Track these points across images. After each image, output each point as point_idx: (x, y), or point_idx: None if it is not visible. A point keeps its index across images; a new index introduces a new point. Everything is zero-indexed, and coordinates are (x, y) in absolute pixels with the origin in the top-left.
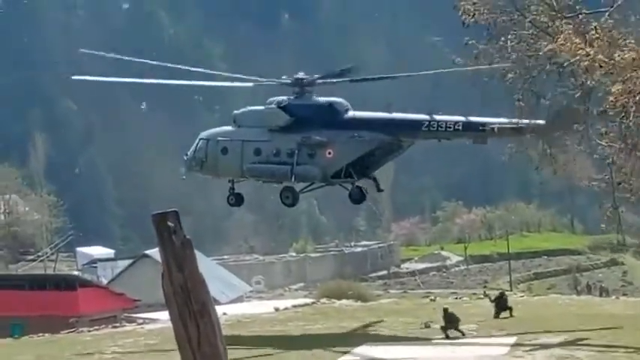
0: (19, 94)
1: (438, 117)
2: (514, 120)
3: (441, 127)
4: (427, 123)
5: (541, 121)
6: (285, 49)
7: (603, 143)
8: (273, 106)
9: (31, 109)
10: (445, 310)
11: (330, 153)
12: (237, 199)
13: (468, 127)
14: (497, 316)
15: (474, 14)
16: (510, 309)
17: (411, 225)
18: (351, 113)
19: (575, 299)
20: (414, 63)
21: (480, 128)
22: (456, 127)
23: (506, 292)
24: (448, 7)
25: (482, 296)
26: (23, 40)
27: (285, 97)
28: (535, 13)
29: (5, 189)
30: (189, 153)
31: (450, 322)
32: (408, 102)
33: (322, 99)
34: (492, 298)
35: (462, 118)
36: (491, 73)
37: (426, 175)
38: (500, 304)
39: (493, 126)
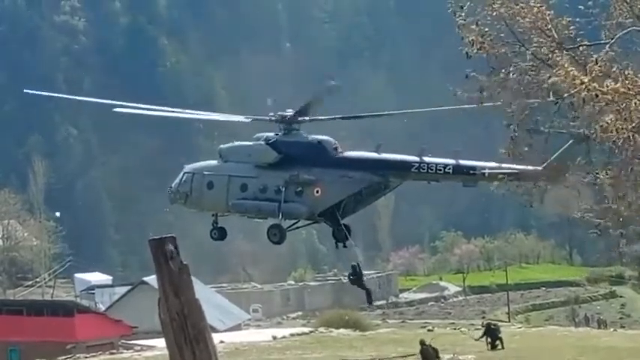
0: (19, 120)
1: (427, 159)
2: (504, 165)
3: (431, 170)
4: (417, 165)
5: (533, 167)
6: (287, 77)
7: (601, 176)
8: (261, 142)
9: (31, 134)
10: (422, 343)
11: (318, 191)
12: (220, 234)
13: (458, 170)
14: (493, 347)
15: (480, 47)
16: (500, 339)
17: (410, 255)
18: (339, 152)
19: (573, 331)
20: (414, 91)
21: (471, 172)
22: (446, 170)
23: (500, 323)
24: (449, 37)
25: (479, 327)
26: (24, 65)
27: (272, 134)
28: (536, 44)
29: (4, 214)
30: (173, 185)
31: (427, 358)
32: (407, 131)
33: (311, 137)
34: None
35: (451, 161)
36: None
37: (425, 205)
38: (493, 334)
39: (484, 171)
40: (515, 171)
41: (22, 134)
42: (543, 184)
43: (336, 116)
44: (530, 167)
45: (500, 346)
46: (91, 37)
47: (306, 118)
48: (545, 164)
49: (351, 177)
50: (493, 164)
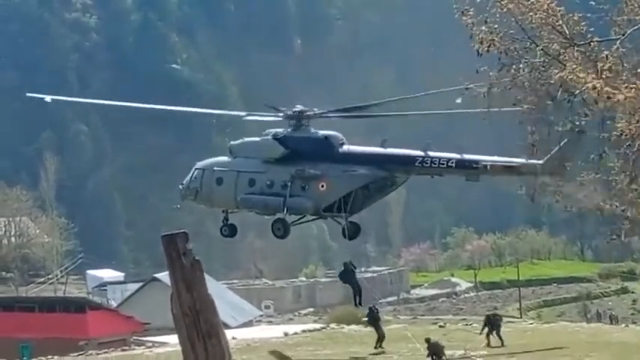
0: (30, 117)
1: (431, 153)
2: (507, 158)
3: (434, 164)
4: (420, 159)
5: (535, 161)
6: (297, 73)
7: (615, 168)
8: (268, 137)
9: (43, 131)
10: (428, 341)
11: (323, 186)
12: (230, 230)
13: (461, 164)
14: (499, 337)
15: (489, 44)
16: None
17: (421, 251)
18: (345, 147)
19: (584, 327)
20: (424, 88)
21: (474, 166)
22: (449, 164)
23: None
24: (460, 34)
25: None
26: (35, 63)
27: (281, 129)
28: (546, 40)
29: (16, 211)
30: (184, 182)
31: (436, 354)
32: (416, 128)
33: (318, 132)
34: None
35: (455, 155)
36: (503, 104)
37: (436, 201)
38: (494, 324)
39: (486, 164)
40: (516, 164)
41: (33, 131)
42: (548, 179)
43: (344, 113)
44: (531, 161)
45: (500, 342)
46: (102, 34)
47: (315, 113)
48: (545, 158)
49: (355, 171)
50: (495, 158)
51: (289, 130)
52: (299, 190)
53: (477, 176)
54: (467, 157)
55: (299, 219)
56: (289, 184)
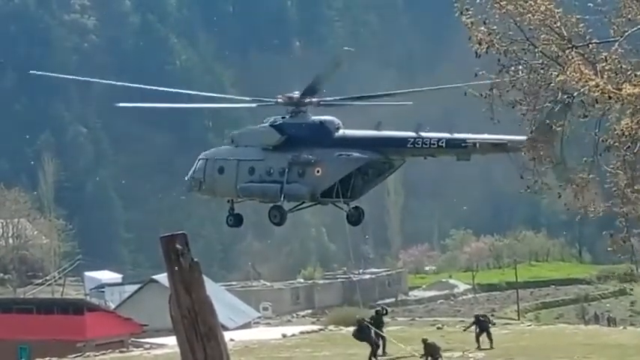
0: (29, 118)
1: (423, 134)
2: (495, 136)
3: (426, 144)
4: (413, 140)
5: (522, 137)
6: (297, 75)
7: (610, 169)
8: (266, 125)
9: (41, 133)
10: (424, 342)
11: (318, 171)
12: (235, 220)
13: (451, 143)
14: (478, 340)
15: (488, 45)
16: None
17: (420, 252)
18: (341, 132)
19: (582, 329)
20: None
21: (463, 145)
22: (440, 143)
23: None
24: (460, 35)
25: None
26: (34, 64)
27: (279, 117)
28: (545, 42)
29: (14, 213)
30: (189, 173)
31: (432, 354)
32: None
33: (314, 118)
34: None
35: (445, 135)
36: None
37: (435, 202)
38: (483, 326)
39: (475, 142)
40: (505, 141)
41: (32, 133)
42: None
43: (340, 99)
44: (518, 137)
45: (490, 343)
46: (101, 35)
47: (312, 100)
48: (531, 133)
49: (349, 155)
50: (484, 136)
51: (287, 117)
52: (296, 176)
53: (468, 155)
54: (456, 135)
55: (297, 206)
56: (286, 170)
